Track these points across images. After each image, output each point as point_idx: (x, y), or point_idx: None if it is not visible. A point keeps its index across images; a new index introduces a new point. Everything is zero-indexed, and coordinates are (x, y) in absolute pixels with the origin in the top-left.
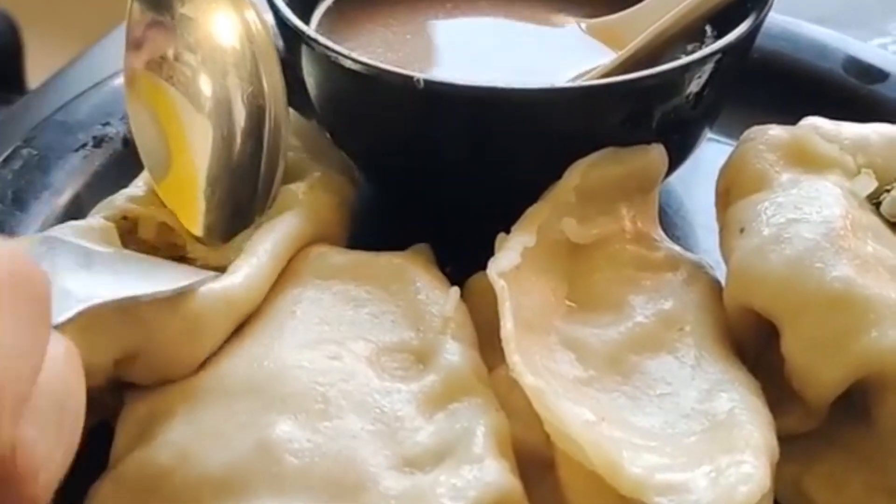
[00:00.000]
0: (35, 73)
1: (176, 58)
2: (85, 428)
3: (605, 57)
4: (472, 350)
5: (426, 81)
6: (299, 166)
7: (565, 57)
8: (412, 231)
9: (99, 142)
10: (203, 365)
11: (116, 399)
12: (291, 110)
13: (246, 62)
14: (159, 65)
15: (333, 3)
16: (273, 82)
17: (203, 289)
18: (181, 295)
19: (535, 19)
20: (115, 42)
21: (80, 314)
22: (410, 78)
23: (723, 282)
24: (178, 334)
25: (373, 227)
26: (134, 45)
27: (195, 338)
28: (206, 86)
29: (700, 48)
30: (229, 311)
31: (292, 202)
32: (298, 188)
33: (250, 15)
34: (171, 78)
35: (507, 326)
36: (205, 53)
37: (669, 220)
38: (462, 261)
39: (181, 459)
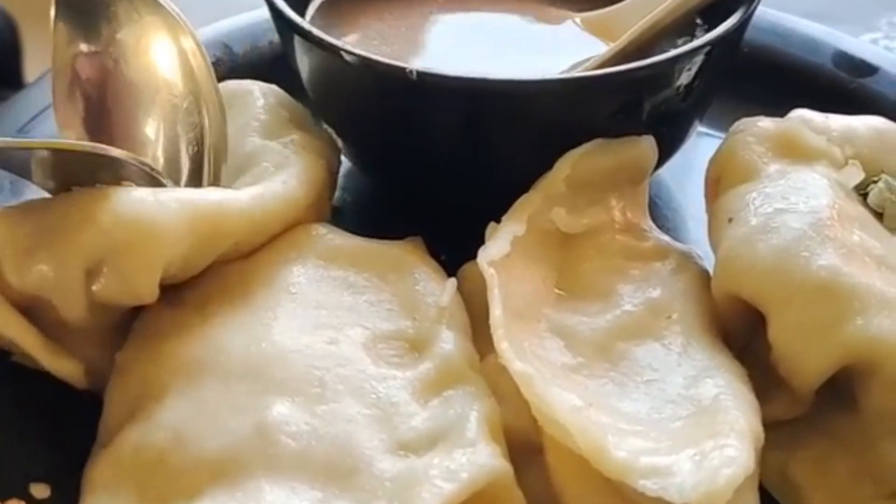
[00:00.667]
0: (33, 70)
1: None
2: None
3: (599, 50)
4: (465, 339)
5: (419, 73)
6: (284, 129)
7: (560, 50)
8: (407, 220)
9: None
10: (200, 334)
11: (108, 361)
12: (277, 87)
13: (187, 103)
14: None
15: None
16: (214, 119)
17: (167, 199)
18: (141, 201)
19: (530, 13)
20: None
21: None
22: (403, 69)
23: (711, 271)
24: (135, 238)
25: (368, 216)
26: (62, 76)
27: (154, 245)
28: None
29: (690, 41)
30: (193, 224)
31: (277, 156)
32: (282, 145)
33: (188, 44)
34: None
35: (496, 314)
36: (140, 91)
37: (660, 211)
38: (457, 249)
39: (177, 441)
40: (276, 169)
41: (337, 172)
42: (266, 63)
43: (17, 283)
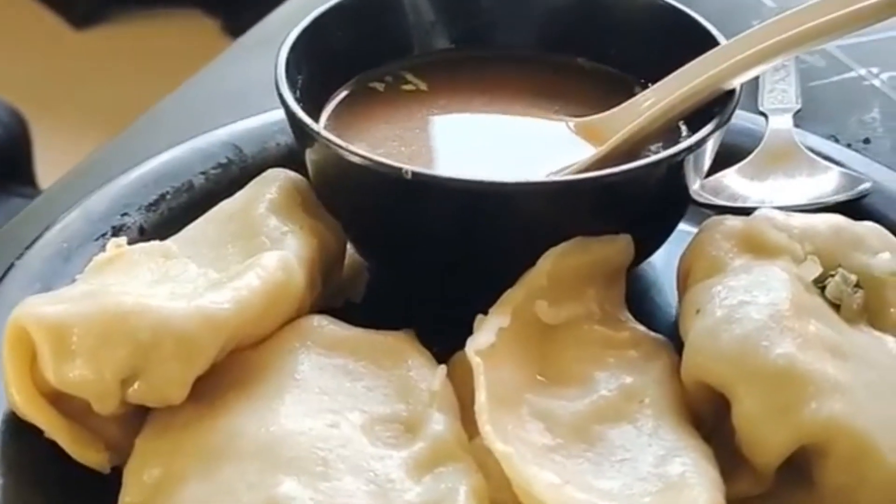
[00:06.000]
0: (43, 165)
1: None
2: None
3: (588, 153)
4: (455, 421)
5: (414, 173)
6: (291, 209)
7: (551, 152)
8: (404, 310)
9: (117, 231)
10: (215, 423)
11: (129, 439)
12: (301, 176)
13: None
14: None
15: (345, 97)
16: None
17: (194, 312)
18: (173, 315)
19: (527, 116)
20: (129, 139)
21: None
22: (399, 169)
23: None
24: (170, 354)
25: (368, 306)
26: None
27: (186, 358)
28: None
29: (672, 145)
30: (218, 335)
31: (278, 239)
32: (286, 228)
33: None
34: None
35: (481, 400)
36: None
37: (642, 298)
38: (448, 339)
39: None
40: (272, 245)
41: (338, 259)
42: (274, 163)
43: (54, 381)
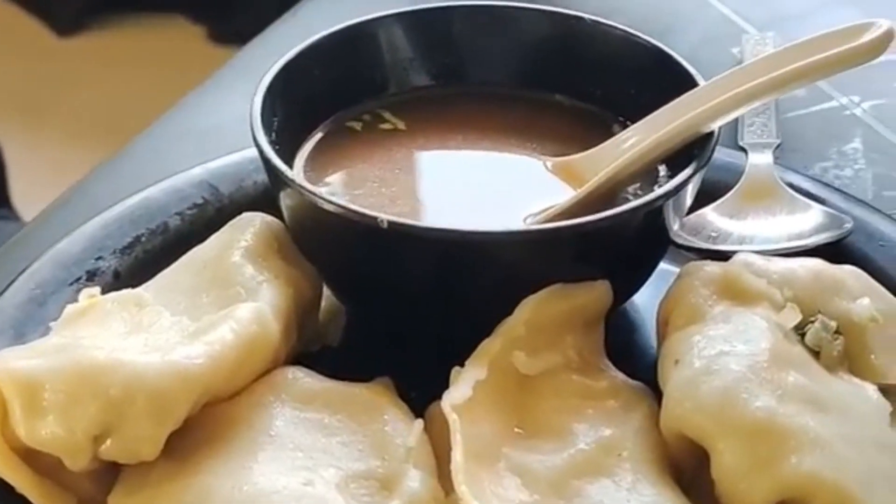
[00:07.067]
0: (18, 187)
1: None
2: None
3: (566, 194)
4: (431, 477)
5: (390, 222)
6: (266, 256)
7: (530, 193)
8: (381, 358)
9: (91, 275)
10: (189, 481)
11: (102, 495)
12: (278, 220)
13: None
14: None
15: (322, 137)
16: None
17: (166, 367)
18: (145, 371)
19: (505, 154)
20: (106, 174)
21: None
22: (375, 218)
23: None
24: (142, 411)
25: (345, 351)
26: None
27: (158, 415)
28: None
29: (651, 186)
30: (191, 390)
31: (253, 289)
32: (261, 277)
33: None
34: None
35: (457, 458)
36: None
37: (623, 341)
38: (427, 386)
39: None
40: (247, 295)
41: (314, 306)
42: (251, 202)
43: (25, 438)
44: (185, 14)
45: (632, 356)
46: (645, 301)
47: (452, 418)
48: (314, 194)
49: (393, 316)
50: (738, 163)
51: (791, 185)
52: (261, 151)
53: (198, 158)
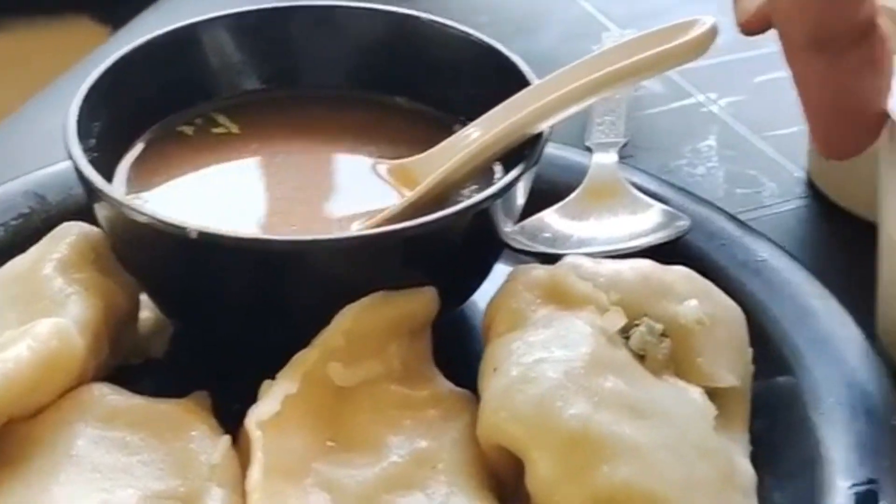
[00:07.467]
0: None
1: None
2: None
3: (400, 198)
4: (234, 495)
5: (200, 232)
6: (79, 267)
7: (363, 198)
8: (205, 370)
9: None
10: None
11: None
12: (98, 230)
13: None
14: None
15: (150, 142)
16: None
17: None
18: None
19: (341, 158)
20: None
21: None
22: (184, 229)
23: None
24: None
25: (169, 363)
26: None
27: None
28: None
29: (486, 187)
30: None
31: (60, 302)
32: (70, 290)
33: None
34: None
35: (254, 476)
36: None
37: (454, 347)
38: (251, 400)
39: None
40: (55, 308)
41: (131, 318)
42: (80, 210)
43: None
44: (87, 14)
45: (462, 363)
46: (480, 305)
47: (256, 435)
48: (123, 205)
49: (214, 328)
50: (584, 163)
51: (636, 185)
52: (72, 159)
53: (34, 164)
